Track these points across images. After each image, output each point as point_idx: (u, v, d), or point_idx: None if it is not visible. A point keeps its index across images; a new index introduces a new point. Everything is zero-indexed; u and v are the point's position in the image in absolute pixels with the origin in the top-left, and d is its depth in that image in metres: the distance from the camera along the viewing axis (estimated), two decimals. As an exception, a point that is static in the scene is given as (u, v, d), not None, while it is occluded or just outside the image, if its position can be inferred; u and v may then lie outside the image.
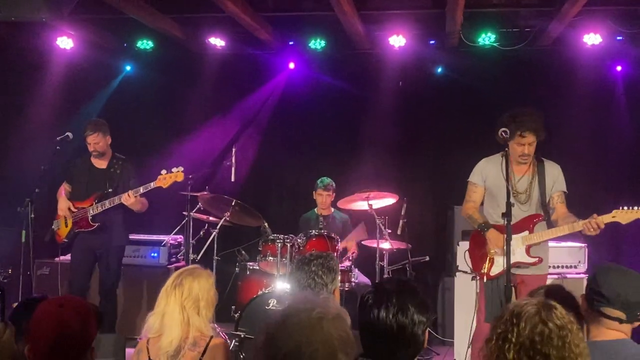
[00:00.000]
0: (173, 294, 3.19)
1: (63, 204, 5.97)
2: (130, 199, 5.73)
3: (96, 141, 5.91)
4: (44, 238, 6.07)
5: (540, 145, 4.78)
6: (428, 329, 2.43)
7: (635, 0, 6.65)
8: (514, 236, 4.57)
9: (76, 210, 5.93)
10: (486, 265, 4.70)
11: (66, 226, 5.98)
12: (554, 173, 4.82)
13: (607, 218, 4.49)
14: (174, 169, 5.67)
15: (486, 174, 4.86)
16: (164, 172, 5.68)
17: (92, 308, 2.63)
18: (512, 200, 4.65)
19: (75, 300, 2.61)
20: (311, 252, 3.35)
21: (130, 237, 7.01)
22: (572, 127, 7.23)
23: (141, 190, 5.74)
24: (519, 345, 1.98)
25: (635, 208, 4.50)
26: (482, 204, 4.99)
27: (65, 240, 5.99)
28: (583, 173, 6.76)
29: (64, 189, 6.11)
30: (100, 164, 6.06)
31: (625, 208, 4.50)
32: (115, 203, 5.81)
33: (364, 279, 6.55)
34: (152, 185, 5.71)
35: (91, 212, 5.86)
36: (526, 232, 4.68)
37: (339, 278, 3.21)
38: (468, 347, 5.39)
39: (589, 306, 2.71)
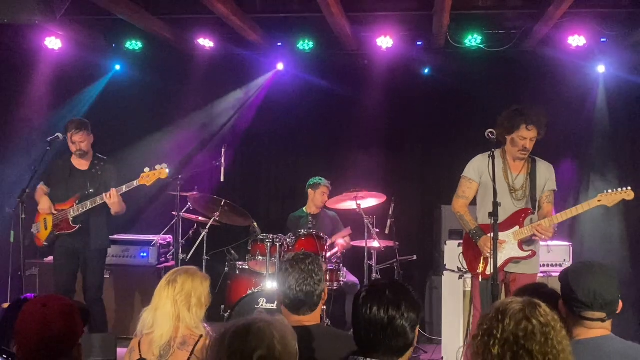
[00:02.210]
0: (166, 289, 3.25)
1: (45, 204, 5.77)
2: (113, 197, 5.56)
3: (81, 140, 5.76)
4: (24, 242, 5.73)
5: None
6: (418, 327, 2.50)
7: (619, 3, 6.75)
8: (505, 233, 4.68)
9: (57, 212, 5.77)
10: (481, 265, 4.74)
11: (46, 229, 5.80)
12: (546, 172, 4.90)
13: (593, 202, 4.60)
14: (157, 166, 5.54)
15: (482, 170, 4.88)
16: (147, 169, 5.55)
17: (77, 306, 2.66)
18: (508, 196, 4.76)
19: (59, 299, 2.63)
20: (299, 252, 3.39)
21: (119, 237, 7.04)
22: (556, 127, 7.32)
23: (124, 189, 5.59)
24: (504, 340, 2.04)
25: (619, 190, 4.60)
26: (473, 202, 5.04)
27: (45, 243, 5.81)
28: (568, 172, 6.87)
29: (41, 190, 5.89)
30: (82, 164, 5.89)
31: (610, 191, 4.61)
32: (96, 203, 5.65)
33: (352, 278, 6.60)
34: (135, 183, 5.57)
35: (72, 213, 5.69)
36: (516, 227, 4.75)
37: (330, 277, 3.26)
38: (461, 346, 5.47)
39: (570, 312, 2.75)
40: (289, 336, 2.08)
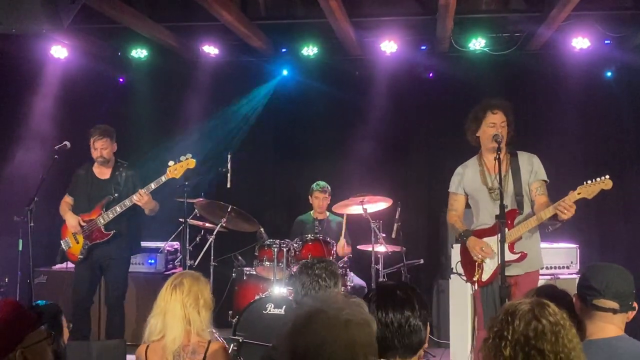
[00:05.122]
0: (174, 292, 3.24)
1: (73, 220, 5.75)
2: (143, 197, 5.54)
3: (104, 147, 5.76)
4: (55, 260, 5.92)
5: (519, 143, 4.83)
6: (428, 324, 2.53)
7: (622, 5, 6.77)
8: (494, 237, 4.45)
9: (85, 224, 5.74)
10: (476, 273, 4.66)
11: (77, 242, 5.76)
12: (529, 163, 4.73)
13: (573, 196, 4.37)
14: (182, 157, 5.51)
15: (463, 180, 4.87)
16: (171, 162, 5.51)
17: (21, 311, 2.56)
18: (487, 197, 4.67)
19: (6, 304, 2.51)
20: (312, 257, 3.40)
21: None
22: (561, 129, 7.35)
23: (152, 186, 5.56)
24: (515, 341, 2.06)
25: (597, 179, 4.38)
26: (469, 207, 4.98)
27: (81, 256, 5.75)
28: (572, 175, 6.85)
29: (66, 204, 5.90)
30: (104, 173, 5.88)
31: (589, 182, 4.39)
32: (126, 207, 5.62)
33: (360, 282, 6.61)
34: (163, 179, 5.55)
35: (101, 221, 5.67)
36: (505, 230, 4.65)
37: (341, 282, 3.25)
38: (471, 352, 5.46)
39: (582, 303, 2.77)
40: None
